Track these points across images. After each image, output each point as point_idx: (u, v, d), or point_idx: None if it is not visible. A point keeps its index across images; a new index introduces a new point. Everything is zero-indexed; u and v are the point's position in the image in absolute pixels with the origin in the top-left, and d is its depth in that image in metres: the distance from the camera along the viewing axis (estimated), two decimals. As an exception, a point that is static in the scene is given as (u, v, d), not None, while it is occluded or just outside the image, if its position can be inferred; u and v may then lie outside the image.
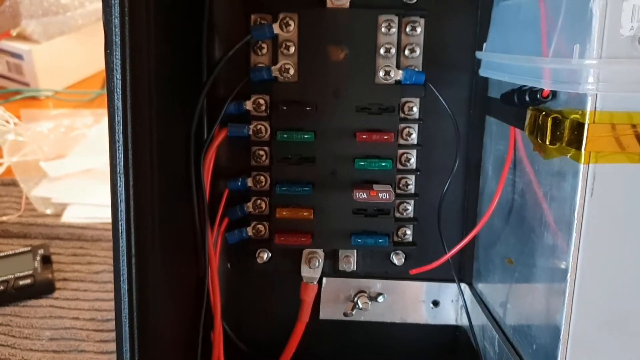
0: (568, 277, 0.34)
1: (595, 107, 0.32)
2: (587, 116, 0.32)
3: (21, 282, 0.72)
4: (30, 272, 0.73)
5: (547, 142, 0.35)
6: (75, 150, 1.00)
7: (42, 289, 0.73)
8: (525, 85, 0.38)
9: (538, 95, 0.36)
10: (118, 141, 0.34)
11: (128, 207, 0.35)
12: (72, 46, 1.20)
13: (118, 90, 0.33)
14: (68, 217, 0.86)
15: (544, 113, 0.36)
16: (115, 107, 0.33)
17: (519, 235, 0.42)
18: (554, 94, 0.36)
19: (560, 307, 0.35)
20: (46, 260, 0.76)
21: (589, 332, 0.35)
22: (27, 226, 0.84)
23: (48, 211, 0.87)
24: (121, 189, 0.34)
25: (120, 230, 0.35)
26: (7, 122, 1.06)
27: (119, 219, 0.35)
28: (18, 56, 1.15)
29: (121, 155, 0.34)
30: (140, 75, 0.35)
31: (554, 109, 0.36)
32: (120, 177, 0.34)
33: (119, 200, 0.34)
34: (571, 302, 0.34)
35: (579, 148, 0.33)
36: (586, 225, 0.33)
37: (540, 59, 0.35)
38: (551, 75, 0.34)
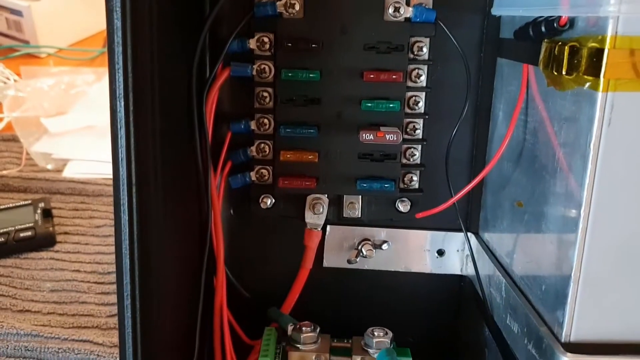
0: (582, 211, 0.33)
1: (616, 32, 0.31)
2: (608, 41, 0.31)
3: (22, 234, 0.72)
4: (31, 224, 0.73)
5: (564, 72, 0.33)
6: (75, 107, 0.99)
7: (42, 241, 0.72)
8: (540, 17, 0.37)
9: (555, 24, 0.35)
10: (118, 71, 0.32)
11: (128, 141, 0.33)
12: (73, 2, 1.18)
13: (118, 26, 0.31)
14: (69, 172, 0.85)
15: (560, 43, 0.34)
16: (115, 42, 0.32)
17: (530, 176, 0.41)
18: (571, 23, 0.34)
19: (572, 243, 0.34)
20: (47, 214, 0.75)
21: (601, 270, 0.34)
22: (27, 180, 0.83)
23: (49, 166, 0.87)
24: (121, 119, 0.33)
25: (120, 160, 0.33)
26: (8, 78, 1.04)
27: (119, 149, 0.33)
28: (17, 12, 1.13)
29: (121, 86, 0.33)
30: (140, 9, 0.33)
31: (571, 37, 0.34)
32: (120, 102, 0.32)
33: (119, 129, 0.33)
34: (584, 237, 0.33)
35: (597, 75, 0.31)
36: (602, 157, 0.32)
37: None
38: (569, 0, 0.33)
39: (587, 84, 0.32)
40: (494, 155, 0.47)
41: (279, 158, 0.47)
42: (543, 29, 0.36)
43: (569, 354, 0.34)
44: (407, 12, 0.45)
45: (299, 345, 0.45)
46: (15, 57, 1.13)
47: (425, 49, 0.46)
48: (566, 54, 0.33)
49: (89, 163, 0.86)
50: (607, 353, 0.34)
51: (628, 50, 0.31)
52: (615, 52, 0.31)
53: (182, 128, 0.45)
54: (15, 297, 0.66)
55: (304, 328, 0.46)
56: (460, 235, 0.51)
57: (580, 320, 0.34)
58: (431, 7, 0.46)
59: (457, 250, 0.52)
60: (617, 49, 0.31)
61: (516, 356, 0.41)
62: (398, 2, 0.45)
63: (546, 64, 0.36)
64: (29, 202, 0.77)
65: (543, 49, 0.37)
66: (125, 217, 0.34)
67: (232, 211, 0.51)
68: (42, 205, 0.76)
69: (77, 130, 0.93)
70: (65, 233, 0.76)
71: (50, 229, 0.74)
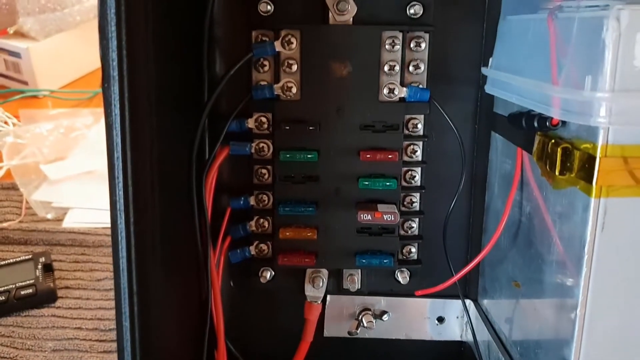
0: (578, 311, 0.33)
1: (607, 141, 0.31)
2: (599, 150, 0.31)
3: (23, 292, 0.72)
4: (32, 281, 0.73)
5: (557, 173, 0.34)
6: (75, 152, 0.99)
7: (44, 298, 0.72)
8: (533, 110, 0.37)
9: (547, 123, 0.35)
10: (117, 159, 0.33)
11: (128, 224, 0.34)
12: (71, 43, 1.19)
13: (116, 113, 0.32)
14: (69, 222, 0.85)
15: (553, 141, 0.35)
16: (114, 126, 0.32)
17: (526, 259, 0.41)
18: (563, 122, 0.35)
19: (568, 339, 0.34)
20: (48, 269, 0.75)
21: (598, 365, 0.34)
22: (27, 232, 0.83)
23: (49, 216, 0.87)
24: (121, 206, 0.33)
25: (120, 248, 0.34)
26: (6, 123, 1.05)
27: (119, 236, 0.34)
28: (16, 54, 1.14)
29: (120, 173, 0.33)
30: (139, 93, 0.34)
31: (564, 137, 0.35)
32: (119, 193, 0.33)
33: (119, 217, 0.33)
34: (581, 336, 0.34)
35: (589, 181, 0.32)
36: (597, 261, 0.33)
37: (550, 87, 0.34)
38: (561, 104, 0.33)
39: (580, 187, 0.33)
40: (491, 227, 0.48)
41: (279, 236, 0.47)
42: (536, 123, 0.37)
43: None
44: (401, 92, 0.46)
45: (301, 423, 0.46)
46: (14, 100, 1.14)
47: (420, 126, 0.47)
48: (559, 155, 0.34)
49: (89, 212, 0.87)
50: None
51: (621, 159, 0.31)
52: (607, 160, 0.31)
53: (182, 206, 0.46)
54: (17, 358, 0.66)
55: (305, 406, 0.46)
56: (460, 302, 0.51)
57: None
58: (425, 85, 0.47)
59: (457, 317, 0.52)
60: (609, 157, 0.31)
61: None
62: (392, 84, 0.45)
63: (539, 157, 0.37)
64: (30, 256, 0.77)
65: (536, 142, 0.37)
66: (126, 305, 0.34)
67: (232, 284, 0.51)
68: (42, 260, 0.76)
69: (77, 176, 0.94)
70: (67, 287, 0.76)
71: (51, 284, 0.74)
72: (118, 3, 0.30)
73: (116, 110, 0.32)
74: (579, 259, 0.33)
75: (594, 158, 0.32)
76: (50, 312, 0.72)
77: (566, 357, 0.35)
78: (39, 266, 0.75)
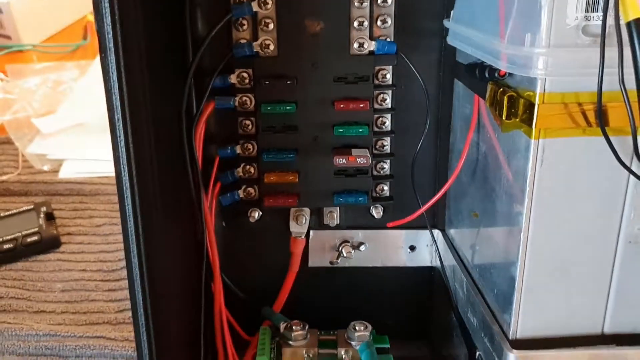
0: (521, 235, 0.39)
1: (544, 89, 0.36)
2: (537, 97, 0.36)
3: (29, 239, 0.77)
4: (36, 229, 0.78)
5: (504, 118, 0.39)
6: (64, 105, 1.02)
7: (49, 244, 0.78)
8: (485, 62, 0.42)
9: (496, 74, 0.40)
10: (118, 120, 0.37)
11: (131, 177, 0.38)
12: (51, -5, 1.20)
13: (114, 79, 0.36)
14: (65, 173, 0.90)
15: (501, 90, 0.40)
16: (113, 91, 0.36)
17: (482, 193, 0.47)
18: (510, 73, 0.39)
19: (514, 260, 0.40)
20: (50, 217, 0.81)
21: (539, 282, 0.40)
22: (27, 184, 0.88)
23: (45, 167, 0.91)
24: (124, 161, 0.38)
25: (125, 196, 0.38)
26: (-5, 78, 1.07)
27: (124, 187, 0.38)
28: (-4, 9, 1.15)
29: (121, 132, 0.37)
30: (132, 60, 0.38)
31: (512, 85, 0.40)
32: (122, 150, 0.37)
33: (122, 171, 0.38)
34: (524, 256, 0.40)
35: (530, 125, 0.37)
36: (537, 192, 0.38)
37: (497, 43, 0.38)
38: (507, 58, 0.38)
39: (523, 129, 0.38)
40: (454, 165, 0.53)
41: (264, 180, 0.52)
42: (487, 74, 0.41)
43: (515, 350, 0.41)
44: (370, 46, 0.50)
45: (290, 342, 0.52)
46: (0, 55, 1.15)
47: (388, 76, 0.51)
48: (505, 102, 0.39)
49: (83, 162, 0.91)
50: (547, 347, 0.41)
51: (556, 105, 0.36)
52: (545, 107, 0.36)
53: (176, 158, 0.50)
54: (30, 299, 0.72)
55: (294, 327, 0.52)
56: (429, 232, 0.57)
57: (523, 322, 0.41)
58: (392, 38, 0.51)
59: (427, 245, 0.59)
60: (546, 104, 0.36)
61: (475, 345, 0.48)
62: (362, 38, 0.49)
63: (491, 103, 0.42)
64: (32, 207, 0.82)
65: (488, 90, 0.42)
66: (134, 246, 0.39)
67: (224, 224, 0.57)
68: (44, 209, 0.81)
69: (68, 128, 0.98)
70: (69, 234, 0.81)
71: (55, 231, 0.79)
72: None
73: (114, 77, 0.36)
74: (523, 191, 0.39)
75: (534, 105, 0.36)
76: (55, 257, 0.78)
77: (513, 275, 0.41)
78: (41, 215, 0.80)
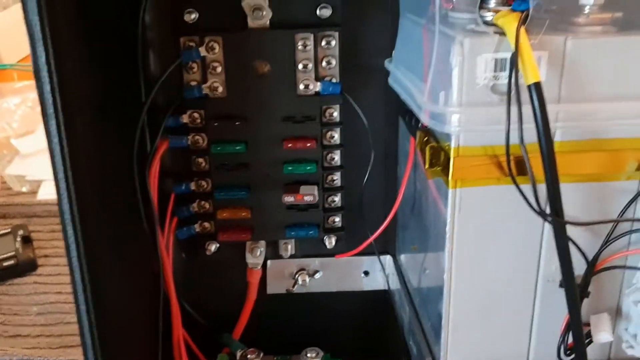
0: (445, 276, 0.42)
1: (459, 144, 0.38)
2: (452, 151, 0.38)
3: (5, 263, 0.79)
4: (13, 252, 0.80)
5: (427, 167, 0.41)
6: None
7: (25, 267, 0.80)
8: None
9: (420, 125, 0.42)
10: (58, 162, 0.40)
11: (75, 229, 0.41)
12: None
13: (52, 118, 0.38)
14: (43, 194, 0.92)
15: (426, 139, 0.42)
16: (52, 133, 0.39)
17: (420, 228, 0.49)
18: (433, 124, 0.42)
19: (441, 298, 0.43)
20: (26, 240, 0.83)
21: (464, 319, 0.43)
22: (5, 207, 0.90)
23: (24, 189, 0.93)
24: (65, 209, 0.40)
25: (71, 249, 0.41)
26: (-26, 98, 1.09)
27: (69, 241, 0.41)
28: (-24, 28, 1.17)
29: (64, 184, 0.40)
30: (72, 103, 0.40)
31: (436, 136, 0.42)
32: (63, 190, 0.40)
33: (65, 212, 0.40)
34: (449, 295, 0.42)
35: (447, 175, 0.39)
36: (457, 236, 0.40)
37: (419, 97, 0.41)
38: (429, 113, 0.40)
39: (443, 179, 0.40)
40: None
41: (217, 217, 0.55)
42: (413, 122, 0.44)
43: (445, 382, 0.44)
44: (315, 87, 0.52)
45: (246, 369, 0.55)
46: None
47: (335, 114, 0.54)
48: (428, 152, 0.41)
49: (61, 183, 0.93)
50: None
51: (469, 157, 0.39)
52: (459, 159, 0.39)
53: (130, 194, 0.52)
54: (5, 323, 0.74)
55: (249, 355, 0.55)
56: (382, 257, 0.60)
57: (452, 356, 0.44)
58: (338, 78, 0.53)
59: (380, 270, 0.61)
60: (461, 157, 0.39)
61: (417, 372, 0.50)
62: (307, 79, 0.52)
63: (420, 149, 0.44)
64: (9, 230, 0.84)
65: (417, 136, 0.44)
66: (81, 293, 0.41)
67: (183, 255, 0.59)
68: (21, 232, 0.83)
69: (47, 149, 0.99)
70: (46, 256, 0.84)
71: (31, 254, 0.81)
72: (47, 54, 0.36)
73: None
74: (444, 235, 0.41)
75: (449, 158, 0.39)
76: (32, 280, 0.80)
77: (440, 311, 0.43)
78: (18, 238, 0.82)
